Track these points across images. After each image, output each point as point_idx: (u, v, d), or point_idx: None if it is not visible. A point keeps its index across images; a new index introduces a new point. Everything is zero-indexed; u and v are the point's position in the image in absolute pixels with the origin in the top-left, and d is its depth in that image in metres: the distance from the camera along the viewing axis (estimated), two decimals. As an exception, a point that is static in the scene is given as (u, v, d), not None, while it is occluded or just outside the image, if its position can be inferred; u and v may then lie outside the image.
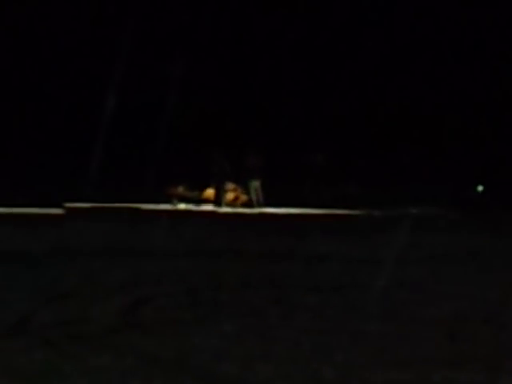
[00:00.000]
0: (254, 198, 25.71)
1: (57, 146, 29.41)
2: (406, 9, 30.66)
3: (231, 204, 25.79)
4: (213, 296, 4.94)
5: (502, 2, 28.45)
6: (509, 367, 3.18)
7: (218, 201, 25.34)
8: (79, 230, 12.80)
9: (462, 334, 3.82)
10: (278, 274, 6.49)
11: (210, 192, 26.16)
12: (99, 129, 26.02)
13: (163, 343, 3.40)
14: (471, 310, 4.63)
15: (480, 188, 30.49)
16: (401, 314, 4.44)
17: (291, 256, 8.37)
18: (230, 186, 25.97)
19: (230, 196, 25.94)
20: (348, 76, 31.35)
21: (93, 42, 29.77)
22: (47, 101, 30.24)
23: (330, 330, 3.83)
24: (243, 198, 26.76)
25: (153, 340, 3.46)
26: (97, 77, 28.92)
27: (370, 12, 31.14)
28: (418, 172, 28.74)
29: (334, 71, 30.94)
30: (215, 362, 3.14)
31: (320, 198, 27.93)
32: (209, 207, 24.80)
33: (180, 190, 27.17)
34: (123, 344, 3.37)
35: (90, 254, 7.98)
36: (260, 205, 25.29)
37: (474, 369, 3.13)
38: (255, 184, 25.86)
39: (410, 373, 3.04)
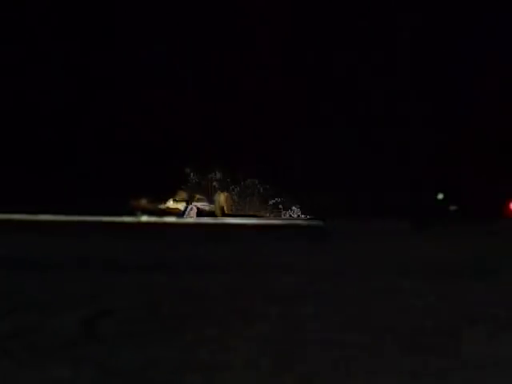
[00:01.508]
0: (218, 209, 25.79)
1: (17, 157, 29.13)
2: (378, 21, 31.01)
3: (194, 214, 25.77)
4: (174, 308, 4.93)
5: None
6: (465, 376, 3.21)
7: (183, 212, 25.36)
8: (39, 243, 12.71)
9: (421, 344, 3.85)
10: (239, 284, 6.50)
11: (173, 204, 26.10)
12: (61, 141, 25.77)
13: (124, 355, 3.38)
14: (429, 320, 4.68)
15: (440, 196, 30.84)
16: (365, 322, 4.46)
17: (252, 266, 8.40)
18: (196, 196, 26.01)
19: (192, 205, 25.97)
20: (308, 92, 31.56)
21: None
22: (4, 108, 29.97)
23: (292, 340, 3.84)
24: (208, 208, 26.79)
25: (114, 352, 3.44)
26: (65, 93, 28.73)
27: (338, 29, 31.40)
28: (381, 181, 28.99)
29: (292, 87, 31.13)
30: (177, 373, 3.13)
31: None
32: (171, 219, 24.73)
33: (143, 202, 27.10)
34: (83, 356, 3.35)
35: (49, 266, 7.93)
36: (224, 215, 25.33)
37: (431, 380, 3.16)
38: (221, 196, 25.97)
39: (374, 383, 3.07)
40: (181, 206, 26.64)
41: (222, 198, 25.80)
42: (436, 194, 31.04)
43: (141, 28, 29.53)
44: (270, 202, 32.64)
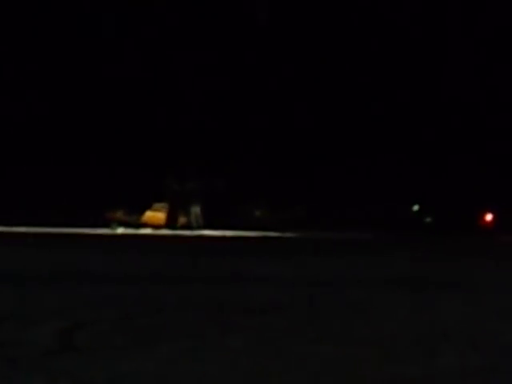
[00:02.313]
0: (193, 221, 25.77)
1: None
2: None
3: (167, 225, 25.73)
4: (149, 320, 4.91)
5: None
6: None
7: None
8: (12, 255, 12.62)
9: (397, 354, 3.86)
10: (215, 296, 6.49)
11: (149, 215, 25.99)
12: (35, 153, 25.59)
13: (99, 368, 3.36)
14: (406, 330, 4.70)
15: (416, 207, 31.04)
16: (339, 334, 4.47)
17: (228, 278, 8.40)
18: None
19: (159, 216, 25.88)
20: (277, 104, 31.71)
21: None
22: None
23: (268, 352, 3.83)
24: (182, 220, 26.74)
25: (88, 364, 3.42)
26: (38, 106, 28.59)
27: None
28: (356, 194, 29.15)
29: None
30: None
31: (268, 221, 27.96)
32: (147, 230, 24.64)
33: (119, 214, 26.96)
34: (58, 368, 3.32)
35: (23, 278, 7.87)
36: (199, 227, 25.32)
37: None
38: (195, 209, 25.95)
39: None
40: (159, 217, 26.59)
41: (195, 210, 25.77)
42: (411, 206, 31.26)
43: (129, 31, 29.60)
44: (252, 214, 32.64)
